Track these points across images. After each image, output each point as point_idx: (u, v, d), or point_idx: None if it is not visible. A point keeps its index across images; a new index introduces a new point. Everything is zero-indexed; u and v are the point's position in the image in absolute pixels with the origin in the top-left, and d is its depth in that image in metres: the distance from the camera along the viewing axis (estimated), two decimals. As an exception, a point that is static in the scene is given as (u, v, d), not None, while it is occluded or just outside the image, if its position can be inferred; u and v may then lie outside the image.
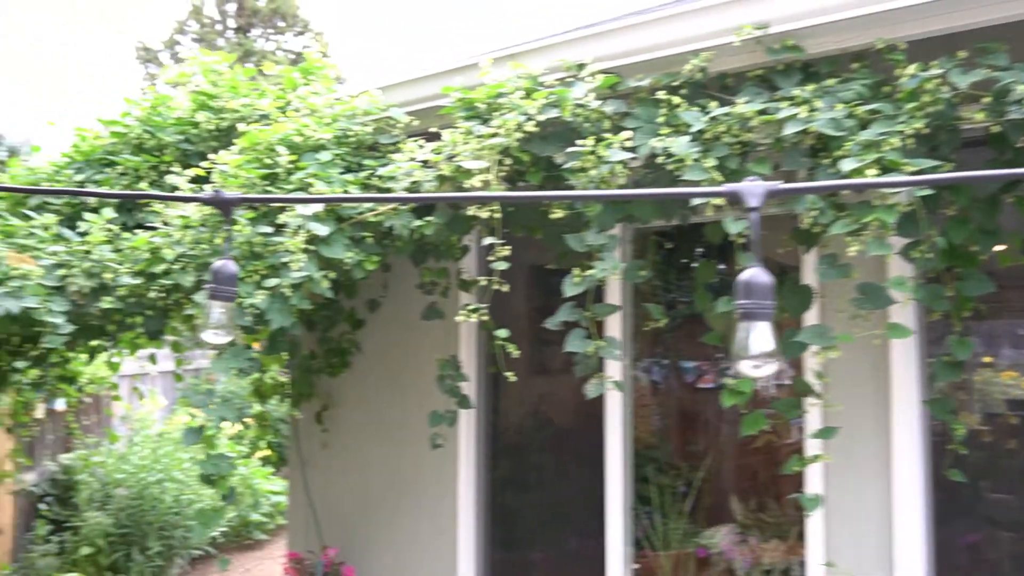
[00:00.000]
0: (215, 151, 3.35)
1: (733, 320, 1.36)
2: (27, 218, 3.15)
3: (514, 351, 2.70)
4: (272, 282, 2.59)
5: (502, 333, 2.69)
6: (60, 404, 6.88)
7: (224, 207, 1.61)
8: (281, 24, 24.10)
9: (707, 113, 2.55)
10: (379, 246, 2.94)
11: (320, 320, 3.75)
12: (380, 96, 3.25)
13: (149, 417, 7.93)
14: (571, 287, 2.53)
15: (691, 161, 2.43)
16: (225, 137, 3.55)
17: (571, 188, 2.63)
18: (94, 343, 4.06)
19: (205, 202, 1.79)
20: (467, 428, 3.81)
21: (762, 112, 2.47)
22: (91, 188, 3.36)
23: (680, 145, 2.45)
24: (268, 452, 9.85)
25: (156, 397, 7.88)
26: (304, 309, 2.72)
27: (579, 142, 2.53)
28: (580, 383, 2.65)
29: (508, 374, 2.81)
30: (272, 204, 2.70)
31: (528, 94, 2.71)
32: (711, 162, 2.44)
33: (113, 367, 4.81)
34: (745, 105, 2.46)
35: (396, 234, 2.83)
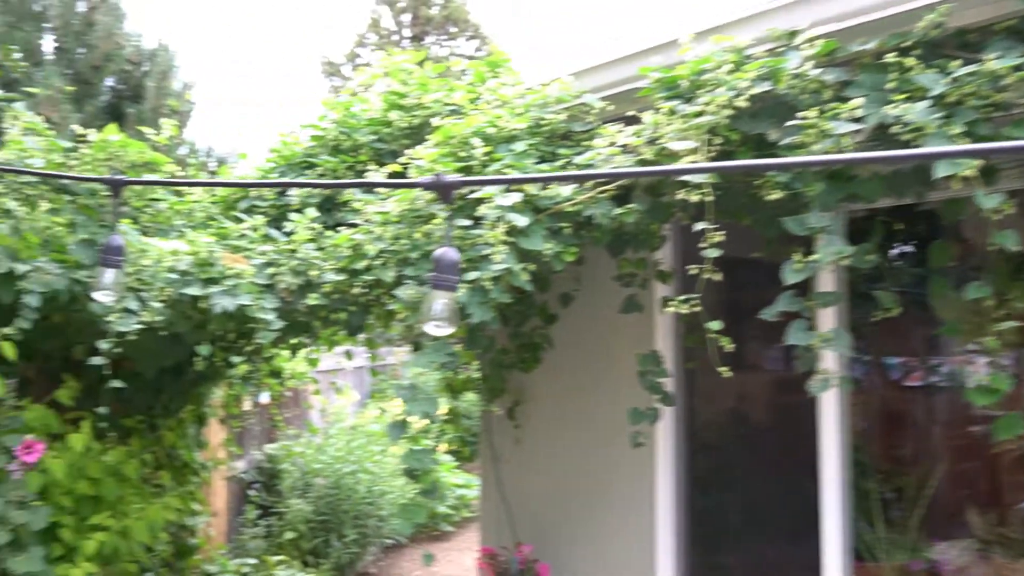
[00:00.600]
0: (407, 148, 3.38)
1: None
2: (238, 220, 3.30)
3: (727, 344, 2.52)
4: (472, 275, 2.54)
5: (714, 325, 2.50)
6: (265, 398, 7.33)
7: (444, 191, 1.56)
8: (453, 30, 24.76)
9: (948, 74, 2.25)
10: (576, 237, 2.83)
11: (513, 315, 3.70)
12: (572, 83, 3.14)
13: (343, 411, 8.29)
14: (792, 274, 2.32)
15: (932, 129, 2.14)
16: (417, 134, 3.58)
17: (787, 168, 2.41)
18: (296, 340, 4.24)
19: (426, 187, 1.76)
20: (665, 425, 3.64)
21: (1017, 68, 2.14)
22: (294, 189, 3.48)
23: (917, 112, 2.17)
24: (452, 446, 10.11)
25: (350, 392, 8.23)
26: (501, 303, 2.67)
27: (799, 114, 2.30)
28: (782, 379, 2.44)
29: (722, 369, 2.62)
30: (476, 191, 2.65)
31: (736, 67, 2.52)
32: (956, 128, 2.15)
33: (312, 363, 5.01)
34: (997, 61, 2.15)
35: (595, 223, 2.72)
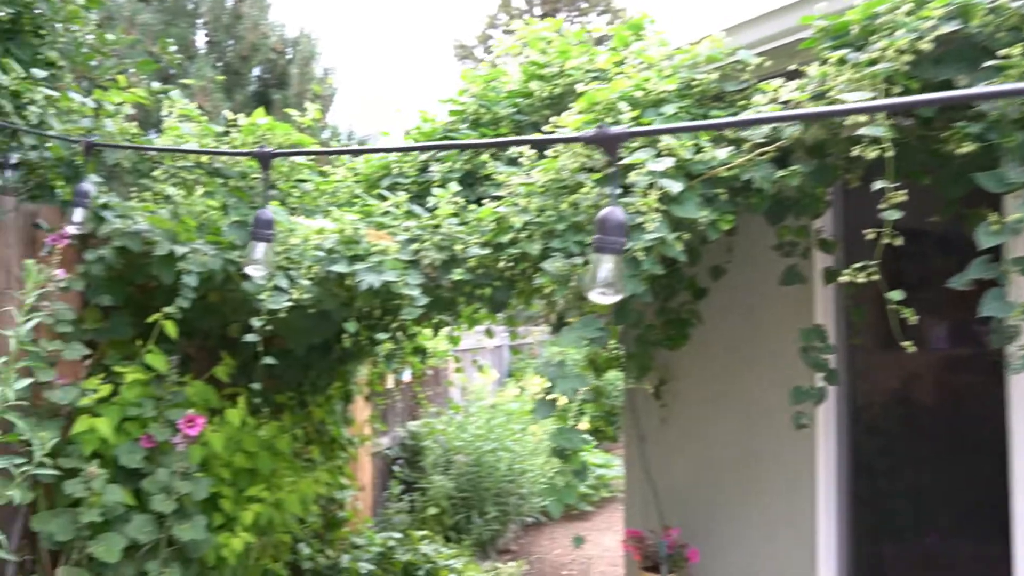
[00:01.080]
0: (547, 120, 3.27)
1: None
2: (382, 198, 3.29)
3: (911, 316, 2.27)
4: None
5: (895, 295, 2.27)
6: (407, 376, 7.47)
7: (609, 143, 1.44)
8: (584, 6, 24.44)
9: None
10: (732, 204, 2.64)
11: (660, 289, 3.54)
12: (724, 39, 2.93)
13: (483, 390, 8.35)
14: (988, 236, 2.05)
15: None
16: (558, 104, 3.46)
17: (979, 117, 2.13)
18: (439, 318, 4.23)
19: (589, 140, 1.64)
20: (826, 406, 3.38)
21: None
22: (435, 165, 3.44)
23: None
24: (594, 425, 10.02)
25: (490, 371, 8.26)
26: (653, 275, 2.52)
27: (999, 53, 2.03)
28: (960, 356, 2.17)
29: (905, 343, 2.38)
30: (626, 157, 2.50)
31: (918, 6, 2.25)
32: None
33: (454, 341, 5.01)
34: None
35: (755, 187, 2.52)
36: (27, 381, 2.49)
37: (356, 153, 4.00)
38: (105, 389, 3.29)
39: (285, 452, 3.90)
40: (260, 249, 2.35)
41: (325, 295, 3.02)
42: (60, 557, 3.16)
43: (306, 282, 2.93)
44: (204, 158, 3.75)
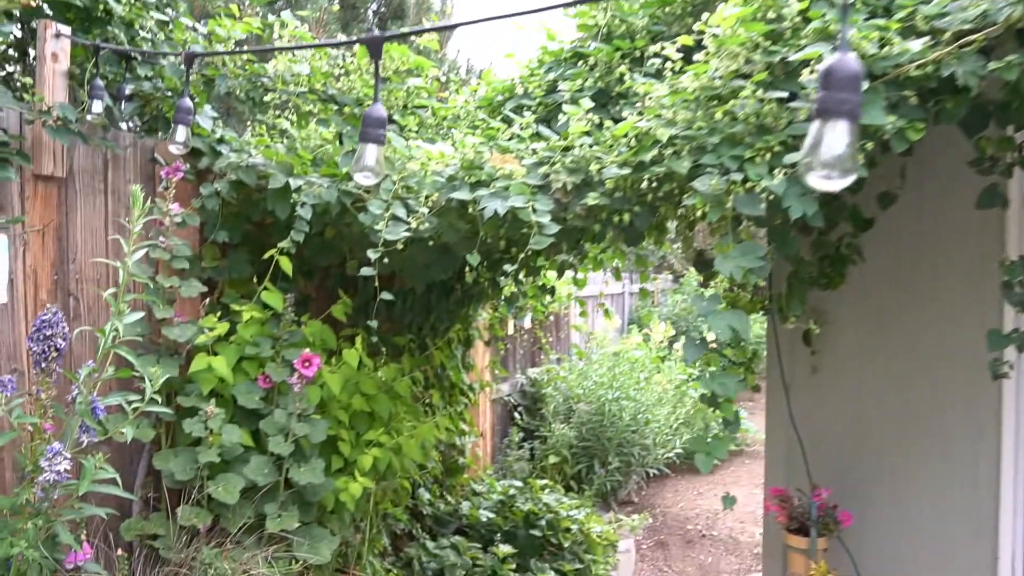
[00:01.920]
0: (689, 29, 2.88)
1: None
2: (507, 122, 3.00)
3: None
4: (791, 158, 2.02)
5: None
6: (527, 322, 7.25)
7: None
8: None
9: None
10: (922, 110, 2.20)
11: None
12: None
13: (606, 336, 8.04)
14: None
15: None
16: (701, 10, 3.05)
17: None
18: (563, 259, 3.94)
19: None
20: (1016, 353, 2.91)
21: None
22: (564, 84, 3.11)
23: None
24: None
25: (612, 317, 7.94)
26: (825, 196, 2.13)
27: None
28: None
29: None
30: (791, 54, 2.11)
31: None
32: None
33: (579, 283, 4.72)
34: None
35: (956, 86, 2.07)
36: (138, 315, 2.35)
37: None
38: (222, 327, 3.18)
39: (404, 396, 3.73)
40: (371, 152, 2.10)
41: (445, 226, 2.77)
42: (182, 496, 3.10)
43: (425, 210, 2.68)
44: (318, 85, 3.55)
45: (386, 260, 2.73)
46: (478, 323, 5.27)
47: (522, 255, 2.51)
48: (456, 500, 5.41)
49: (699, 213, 2.14)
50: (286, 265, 3.19)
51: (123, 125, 3.62)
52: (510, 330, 6.51)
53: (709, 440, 2.28)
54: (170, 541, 2.99)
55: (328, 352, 3.55)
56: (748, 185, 2.09)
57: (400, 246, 2.69)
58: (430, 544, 4.68)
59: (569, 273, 4.17)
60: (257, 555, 2.99)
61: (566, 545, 5.12)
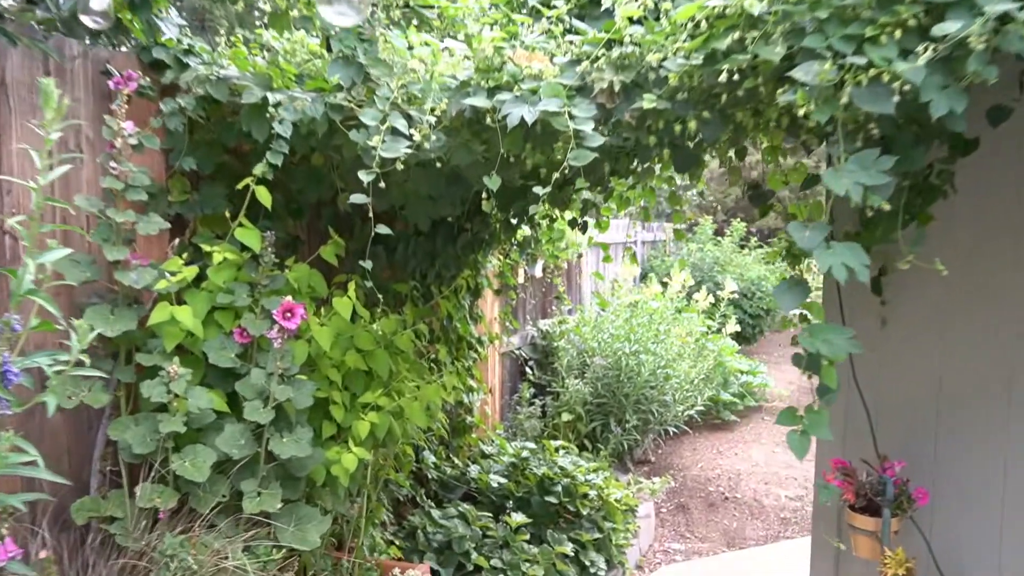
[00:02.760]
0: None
1: None
2: (536, 13, 2.42)
3: None
4: (940, 30, 1.46)
5: None
6: (538, 270, 6.72)
7: None
8: None
9: None
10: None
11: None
12: None
13: (626, 284, 7.51)
14: None
15: None
16: None
17: None
18: (585, 195, 3.40)
19: None
20: None
21: None
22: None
23: None
24: (738, 327, 9.07)
25: (629, 265, 7.41)
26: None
27: None
28: None
29: None
30: None
31: None
32: None
33: (602, 226, 4.17)
34: None
35: None
36: (64, 251, 1.81)
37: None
38: (189, 272, 2.65)
39: (406, 351, 3.22)
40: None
41: (456, 145, 2.22)
42: (144, 471, 2.60)
43: (431, 119, 2.12)
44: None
45: (383, 185, 2.18)
46: (487, 270, 4.75)
47: (556, 175, 1.95)
48: (464, 462, 4.95)
49: (801, 111, 1.58)
50: (264, 196, 2.64)
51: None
52: (520, 279, 5.99)
53: (801, 415, 1.76)
54: (128, 525, 2.50)
55: (318, 301, 3.02)
56: (872, 73, 1.53)
57: (400, 166, 2.14)
58: (436, 513, 4.22)
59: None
60: (233, 541, 2.50)
61: (584, 513, 4.66)
